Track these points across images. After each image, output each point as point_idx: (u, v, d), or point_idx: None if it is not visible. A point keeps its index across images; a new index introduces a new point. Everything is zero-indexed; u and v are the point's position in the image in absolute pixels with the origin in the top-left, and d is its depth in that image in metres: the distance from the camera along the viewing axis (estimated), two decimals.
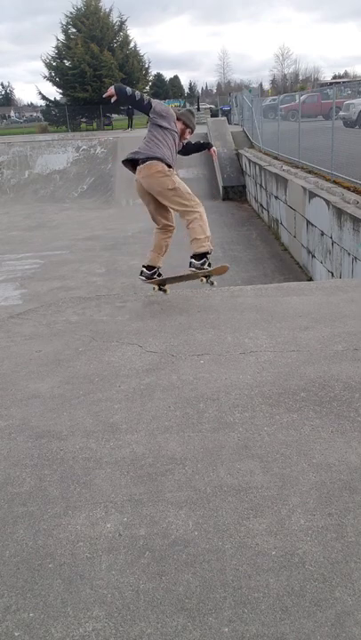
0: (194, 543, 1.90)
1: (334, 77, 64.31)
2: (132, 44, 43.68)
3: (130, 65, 41.87)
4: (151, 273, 4.56)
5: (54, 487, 2.25)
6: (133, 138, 25.50)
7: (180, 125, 4.32)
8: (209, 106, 42.30)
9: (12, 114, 75.13)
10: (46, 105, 46.60)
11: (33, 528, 2.02)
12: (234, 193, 19.17)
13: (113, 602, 1.70)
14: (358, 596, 1.67)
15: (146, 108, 4.17)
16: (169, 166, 4.17)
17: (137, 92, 4.19)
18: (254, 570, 1.78)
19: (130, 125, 35.50)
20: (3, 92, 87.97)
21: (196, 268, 4.28)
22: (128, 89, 4.11)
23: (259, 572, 1.77)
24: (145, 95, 4.26)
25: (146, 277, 4.58)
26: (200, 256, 4.25)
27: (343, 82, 33.26)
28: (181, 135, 4.39)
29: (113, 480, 2.26)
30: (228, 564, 1.81)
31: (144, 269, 4.58)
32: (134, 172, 4.27)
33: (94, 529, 2.00)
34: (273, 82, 74.54)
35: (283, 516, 2.00)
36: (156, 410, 2.78)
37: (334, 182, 9.28)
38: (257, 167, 15.70)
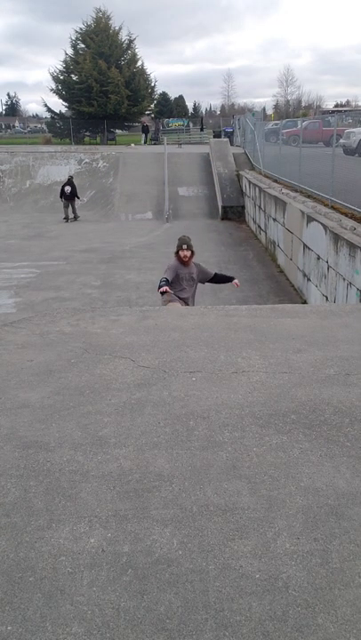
0: (177, 562, 1.88)
1: (336, 106, 65.41)
2: (139, 63, 44.39)
3: (136, 82, 42.46)
4: None
5: (39, 499, 2.22)
6: (136, 154, 25.79)
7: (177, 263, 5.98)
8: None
9: (17, 124, 75.65)
10: (51, 117, 47.09)
11: (15, 540, 2.00)
12: (233, 213, 19.36)
13: (93, 619, 1.67)
14: (341, 623, 1.65)
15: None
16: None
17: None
18: (237, 592, 1.76)
19: (145, 141, 37.27)
20: (8, 103, 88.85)
21: None
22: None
23: (242, 594, 1.75)
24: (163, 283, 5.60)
25: None
26: None
27: (345, 110, 33.88)
28: (184, 264, 6.00)
29: (99, 494, 2.24)
30: (211, 586, 1.79)
31: None
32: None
33: (77, 543, 1.98)
34: (276, 107, 75.72)
35: (268, 539, 1.99)
36: (145, 425, 2.77)
37: (332, 208, 9.39)
38: (257, 189, 15.88)
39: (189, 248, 6.07)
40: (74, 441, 2.64)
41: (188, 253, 6.04)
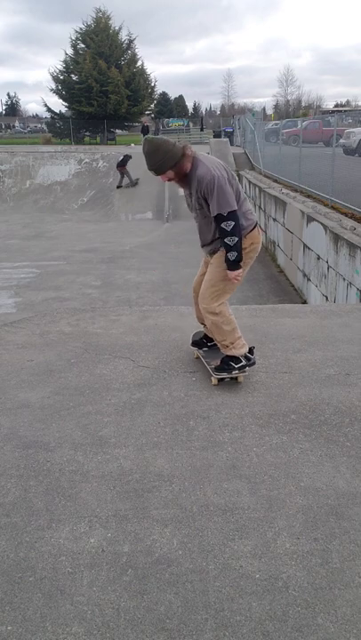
0: (177, 562, 1.88)
1: (336, 106, 65.44)
2: (139, 63, 44.39)
3: (136, 83, 42.45)
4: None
5: (39, 499, 2.22)
6: (136, 154, 25.77)
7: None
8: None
9: (17, 124, 75.60)
10: (51, 117, 47.09)
11: (15, 540, 2.00)
12: None
13: (93, 619, 1.67)
14: (341, 623, 1.65)
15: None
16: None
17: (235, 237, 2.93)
18: (237, 592, 1.76)
19: None
20: (8, 103, 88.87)
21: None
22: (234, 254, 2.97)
23: (242, 594, 1.75)
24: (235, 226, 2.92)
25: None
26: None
27: (345, 110, 33.93)
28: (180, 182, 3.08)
29: (99, 494, 2.24)
30: (211, 586, 1.79)
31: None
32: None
33: (77, 543, 1.98)
34: (276, 107, 75.77)
35: (268, 539, 1.99)
36: (145, 425, 2.77)
37: (332, 207, 9.39)
38: (257, 189, 15.87)
39: (160, 171, 3.04)
40: (74, 441, 2.64)
41: (165, 178, 3.10)
